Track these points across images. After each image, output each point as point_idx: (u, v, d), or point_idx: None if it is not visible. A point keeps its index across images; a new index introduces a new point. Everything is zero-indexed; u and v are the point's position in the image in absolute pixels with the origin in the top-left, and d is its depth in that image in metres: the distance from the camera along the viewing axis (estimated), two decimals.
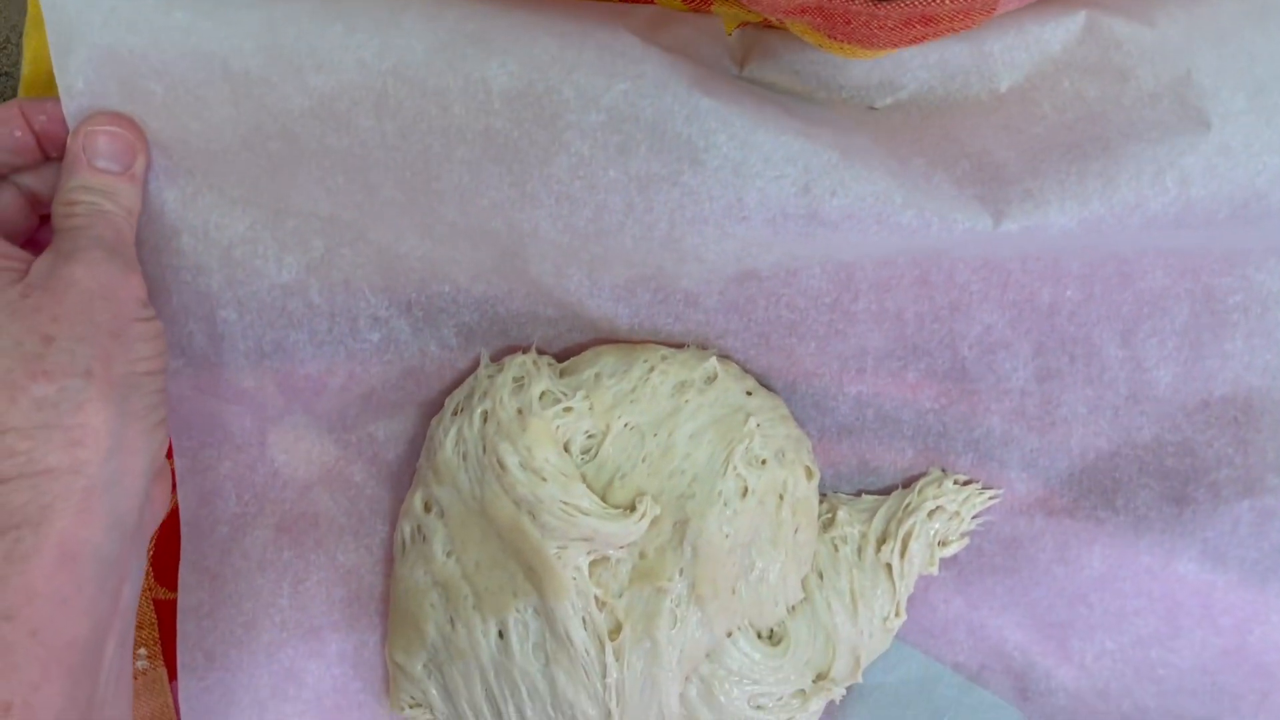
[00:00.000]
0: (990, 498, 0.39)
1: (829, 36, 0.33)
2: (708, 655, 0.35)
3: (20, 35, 0.40)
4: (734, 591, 0.35)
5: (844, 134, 0.34)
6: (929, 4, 0.31)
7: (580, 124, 0.33)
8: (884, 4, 0.31)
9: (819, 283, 0.37)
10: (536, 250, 0.35)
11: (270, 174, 0.35)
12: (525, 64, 0.33)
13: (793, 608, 0.37)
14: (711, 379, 0.37)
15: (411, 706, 0.39)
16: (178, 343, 0.37)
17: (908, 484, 0.40)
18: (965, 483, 0.39)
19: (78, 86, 0.33)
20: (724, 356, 0.38)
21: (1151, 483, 0.39)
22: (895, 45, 0.33)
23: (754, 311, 0.37)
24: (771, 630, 0.37)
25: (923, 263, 0.36)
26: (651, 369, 0.37)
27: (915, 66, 0.35)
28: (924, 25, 0.31)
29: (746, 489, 0.35)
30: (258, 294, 0.37)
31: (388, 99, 0.33)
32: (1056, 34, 0.35)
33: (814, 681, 0.37)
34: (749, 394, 0.38)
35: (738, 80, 0.36)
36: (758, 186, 0.33)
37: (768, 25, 0.37)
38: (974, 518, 0.39)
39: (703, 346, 0.38)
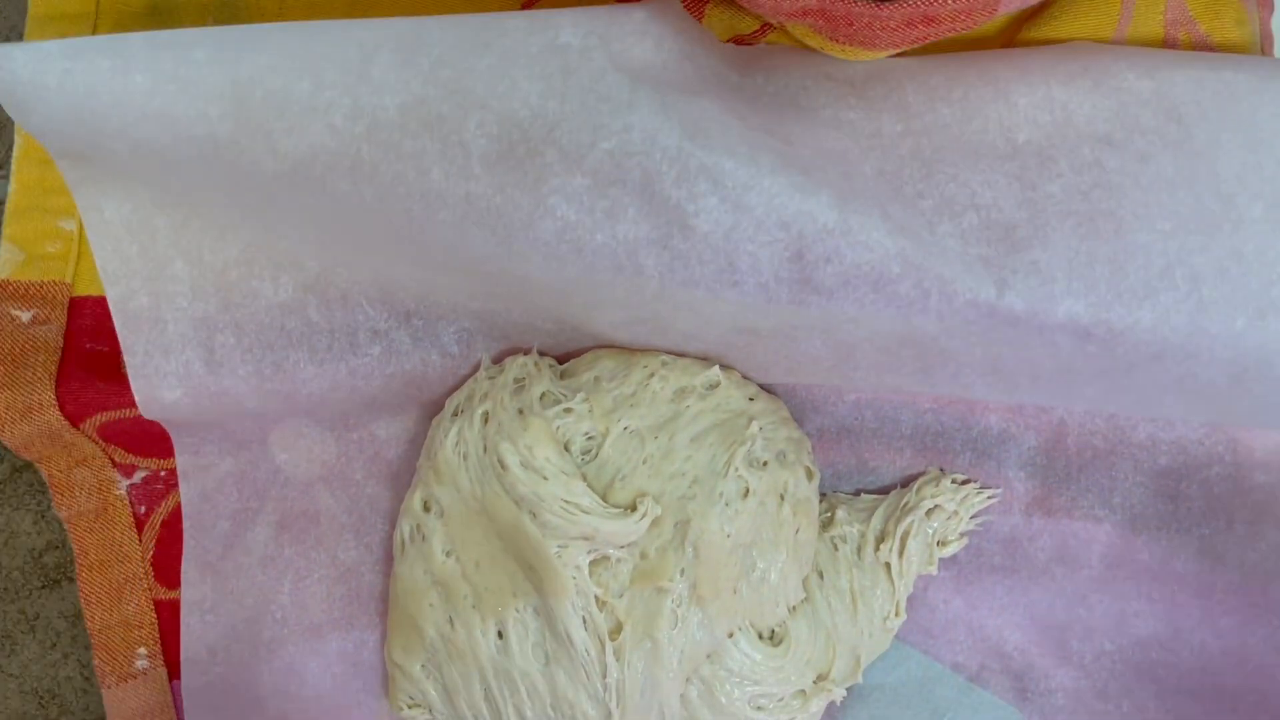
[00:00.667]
0: (988, 497, 0.39)
1: (830, 39, 0.33)
2: (708, 656, 0.35)
3: (20, 35, 0.39)
4: (735, 592, 0.35)
5: (849, 168, 0.33)
6: (931, 4, 0.31)
7: (564, 188, 0.31)
8: (886, 4, 0.30)
9: (819, 350, 0.36)
10: (530, 289, 0.35)
11: (252, 217, 0.34)
12: (505, 121, 0.31)
13: (793, 608, 0.37)
14: (713, 386, 0.37)
15: (410, 707, 0.39)
16: (175, 372, 0.37)
17: (906, 483, 0.40)
18: (963, 482, 0.40)
19: (47, 133, 0.32)
20: (726, 366, 0.38)
21: (1146, 480, 0.39)
22: (897, 46, 0.33)
23: (754, 352, 0.37)
24: (773, 631, 0.37)
25: (925, 358, 0.35)
26: (651, 375, 0.37)
27: (937, 100, 0.35)
28: (926, 25, 0.31)
29: (748, 490, 0.35)
30: (255, 315, 0.37)
31: (362, 164, 0.31)
32: (1082, 108, 0.35)
33: (814, 682, 0.37)
34: (751, 399, 0.38)
35: (737, 94, 0.35)
36: (749, 251, 0.32)
37: (763, 31, 0.38)
38: (972, 517, 0.39)
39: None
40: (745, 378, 0.39)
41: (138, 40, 0.31)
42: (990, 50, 0.37)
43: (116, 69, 0.30)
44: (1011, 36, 0.38)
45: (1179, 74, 0.35)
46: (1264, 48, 0.38)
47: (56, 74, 0.30)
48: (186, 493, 0.39)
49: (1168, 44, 0.38)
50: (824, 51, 0.34)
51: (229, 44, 0.31)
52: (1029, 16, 0.38)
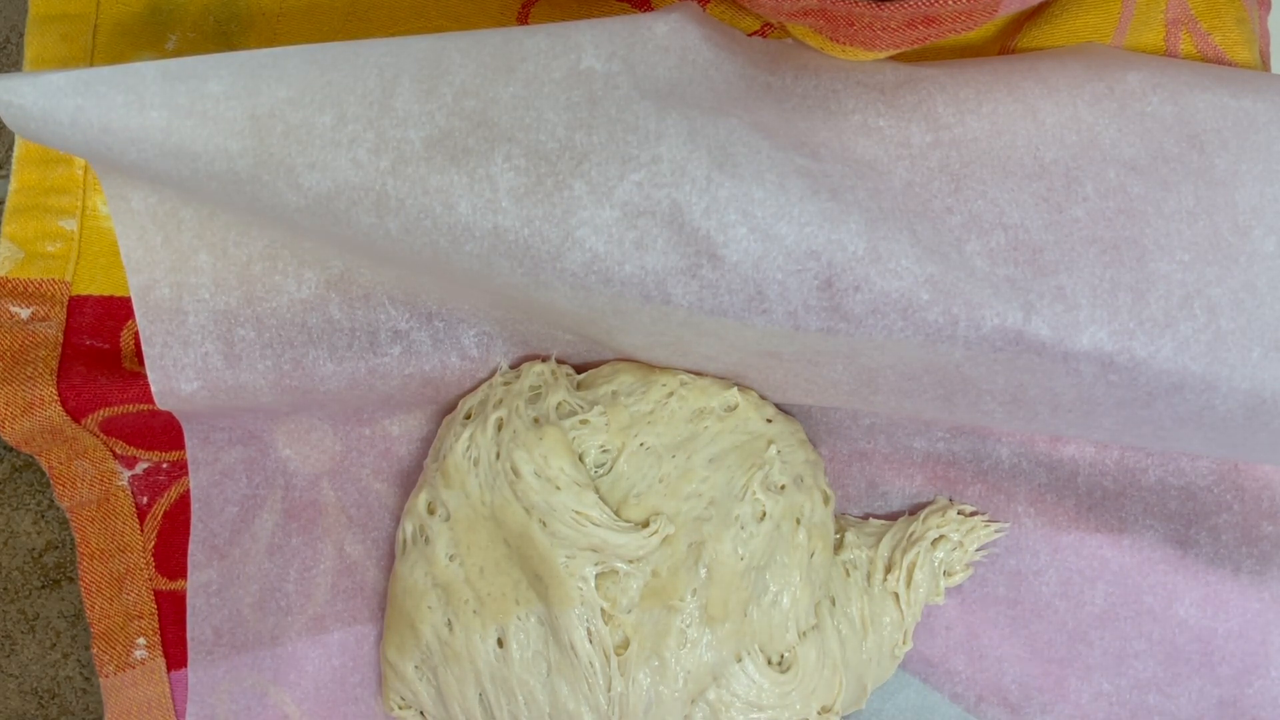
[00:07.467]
0: (995, 530, 0.40)
1: (831, 38, 0.33)
2: (715, 680, 0.36)
3: (20, 35, 0.39)
4: (746, 615, 0.35)
5: (878, 182, 0.33)
6: (932, 5, 0.30)
7: (593, 220, 0.31)
8: (887, 5, 0.30)
9: (840, 374, 0.36)
10: (555, 311, 0.35)
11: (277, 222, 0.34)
12: (532, 154, 0.31)
13: (803, 634, 0.37)
14: (731, 408, 0.37)
15: (402, 707, 0.39)
16: (193, 364, 0.36)
17: (915, 511, 0.40)
18: (971, 514, 0.40)
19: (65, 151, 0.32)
20: (744, 387, 0.38)
21: (1156, 524, 0.39)
22: (898, 47, 0.32)
23: (774, 374, 0.37)
24: (781, 656, 0.37)
25: (947, 384, 0.35)
26: (670, 394, 0.37)
27: (966, 113, 0.35)
28: (927, 26, 0.31)
29: (764, 513, 0.35)
30: (277, 310, 0.36)
31: (388, 198, 0.31)
32: (1108, 130, 0.34)
33: (819, 712, 0.37)
34: (769, 421, 0.38)
35: (765, 97, 0.35)
36: (778, 279, 0.31)
37: (764, 31, 0.37)
38: (978, 550, 0.40)
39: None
40: (763, 398, 0.38)
41: (149, 71, 0.30)
42: (1017, 58, 0.37)
43: (130, 104, 0.30)
44: (1012, 35, 0.38)
45: (1201, 99, 0.35)
46: (1263, 46, 0.38)
47: (69, 110, 0.30)
48: (195, 477, 0.39)
49: (1169, 43, 0.38)
50: (824, 51, 0.34)
51: (244, 74, 0.30)
52: (1030, 15, 0.38)
